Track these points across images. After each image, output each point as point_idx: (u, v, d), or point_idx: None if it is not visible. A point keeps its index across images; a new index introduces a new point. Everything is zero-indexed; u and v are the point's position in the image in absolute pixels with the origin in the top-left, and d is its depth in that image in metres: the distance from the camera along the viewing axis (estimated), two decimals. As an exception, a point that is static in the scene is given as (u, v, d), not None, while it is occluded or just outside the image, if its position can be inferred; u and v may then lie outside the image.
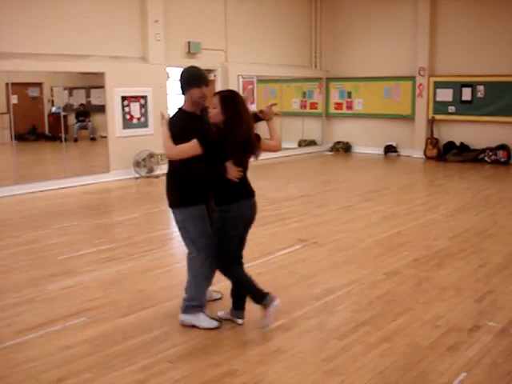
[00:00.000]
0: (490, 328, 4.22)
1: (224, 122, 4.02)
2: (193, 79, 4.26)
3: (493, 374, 3.59)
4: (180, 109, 4.33)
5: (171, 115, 4.33)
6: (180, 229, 4.36)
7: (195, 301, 4.31)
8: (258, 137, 4.29)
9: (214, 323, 4.30)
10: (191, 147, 4.00)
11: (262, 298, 4.22)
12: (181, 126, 4.16)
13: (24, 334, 4.20)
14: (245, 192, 4.37)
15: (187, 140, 4.01)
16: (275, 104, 4.60)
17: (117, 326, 4.34)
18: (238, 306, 4.39)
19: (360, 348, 3.92)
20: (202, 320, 4.30)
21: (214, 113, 4.04)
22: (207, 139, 4.04)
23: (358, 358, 3.78)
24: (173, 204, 4.42)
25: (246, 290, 4.33)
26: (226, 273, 4.33)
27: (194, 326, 4.27)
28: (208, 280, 4.41)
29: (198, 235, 4.25)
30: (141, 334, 4.17)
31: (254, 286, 4.28)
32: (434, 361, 3.73)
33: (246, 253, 5.89)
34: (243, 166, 4.24)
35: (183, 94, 4.32)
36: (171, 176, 4.43)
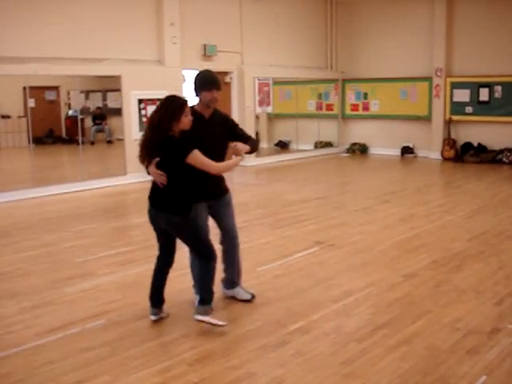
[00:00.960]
0: (510, 331, 4.18)
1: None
2: (205, 83, 4.46)
3: (514, 377, 3.55)
4: (192, 107, 4.41)
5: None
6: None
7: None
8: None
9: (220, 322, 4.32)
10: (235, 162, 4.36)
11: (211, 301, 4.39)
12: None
13: (43, 336, 4.22)
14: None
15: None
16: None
17: (135, 328, 4.35)
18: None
19: (379, 351, 3.89)
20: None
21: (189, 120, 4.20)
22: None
23: (377, 361, 3.76)
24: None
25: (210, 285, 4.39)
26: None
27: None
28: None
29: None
30: (159, 336, 4.18)
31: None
32: (454, 364, 3.70)
33: (264, 255, 5.91)
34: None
35: (196, 95, 4.53)
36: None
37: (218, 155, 4.40)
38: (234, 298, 4.89)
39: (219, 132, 4.54)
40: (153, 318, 4.48)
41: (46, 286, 5.36)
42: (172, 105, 4.20)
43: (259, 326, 4.35)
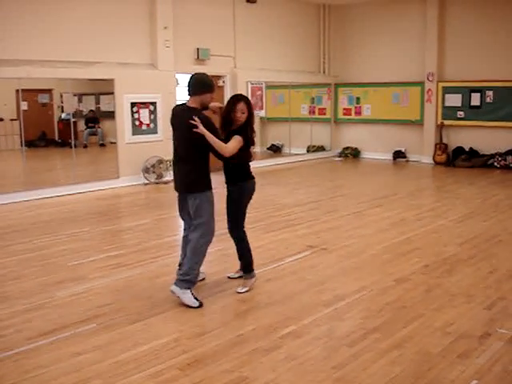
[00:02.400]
0: (501, 335, 4.20)
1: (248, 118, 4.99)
2: (207, 85, 4.92)
3: (504, 381, 3.57)
4: (195, 108, 4.89)
5: (196, 116, 4.76)
6: (196, 211, 4.90)
7: (188, 276, 4.84)
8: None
9: (196, 303, 4.79)
10: (239, 142, 4.89)
11: (252, 268, 5.27)
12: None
13: (34, 340, 4.21)
14: (251, 174, 5.23)
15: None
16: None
17: (126, 332, 4.35)
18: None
19: (370, 355, 3.90)
20: (187, 297, 4.81)
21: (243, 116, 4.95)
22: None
23: (368, 365, 3.77)
24: (195, 189, 4.93)
25: (248, 255, 5.27)
26: (240, 238, 5.24)
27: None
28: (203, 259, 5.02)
29: (211, 217, 4.94)
30: (150, 340, 4.18)
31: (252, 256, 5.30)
32: (445, 368, 3.71)
33: (256, 259, 5.91)
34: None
35: (194, 95, 4.91)
36: (193, 163, 4.95)
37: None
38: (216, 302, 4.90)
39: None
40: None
41: (37, 289, 5.35)
42: None
43: (251, 330, 4.36)
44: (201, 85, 4.91)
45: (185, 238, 5.20)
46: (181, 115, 4.96)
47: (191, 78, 4.97)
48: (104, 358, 3.90)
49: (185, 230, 5.25)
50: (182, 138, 4.99)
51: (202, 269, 5.17)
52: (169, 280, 5.57)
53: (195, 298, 4.83)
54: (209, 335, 4.27)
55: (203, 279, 5.45)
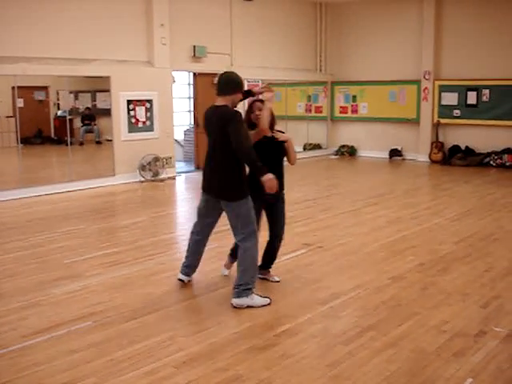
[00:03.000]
0: (496, 333, 4.21)
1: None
2: (240, 85, 4.79)
3: (499, 379, 3.58)
4: (234, 109, 4.75)
5: (238, 112, 4.70)
6: (238, 219, 4.73)
7: (249, 285, 4.75)
8: None
9: (267, 300, 4.82)
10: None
11: None
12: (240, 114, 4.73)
13: (29, 338, 4.20)
14: None
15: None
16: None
17: (122, 330, 4.34)
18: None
19: (365, 353, 3.91)
20: (258, 300, 4.77)
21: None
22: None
23: (364, 363, 3.77)
24: (235, 197, 4.72)
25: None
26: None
27: (248, 307, 4.72)
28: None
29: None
30: (146, 338, 4.17)
31: None
32: (440, 366, 3.72)
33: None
34: None
35: (225, 95, 4.72)
36: (232, 170, 4.72)
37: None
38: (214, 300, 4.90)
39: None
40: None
41: (33, 287, 5.34)
42: None
43: (246, 328, 4.36)
44: (233, 84, 4.74)
45: (199, 241, 5.16)
46: (212, 116, 4.78)
47: (221, 77, 4.80)
48: (99, 356, 3.90)
49: (194, 233, 5.16)
50: (219, 141, 4.70)
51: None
52: (165, 277, 5.59)
53: (262, 296, 4.84)
54: (204, 333, 4.27)
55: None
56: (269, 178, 4.58)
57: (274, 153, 5.24)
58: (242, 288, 4.71)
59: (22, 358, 3.89)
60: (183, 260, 5.32)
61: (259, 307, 4.72)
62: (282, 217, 5.34)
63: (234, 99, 4.76)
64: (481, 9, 13.48)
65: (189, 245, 5.24)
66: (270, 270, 5.46)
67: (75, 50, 10.52)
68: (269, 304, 4.79)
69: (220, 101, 4.74)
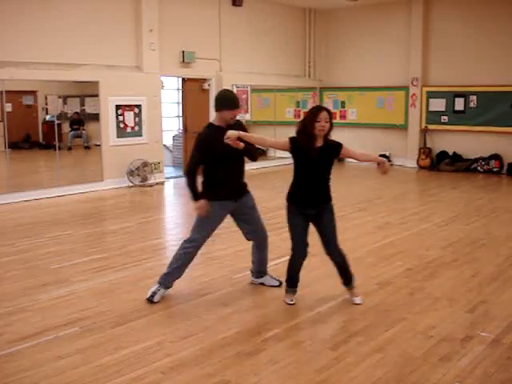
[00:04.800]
0: (483, 338, 4.23)
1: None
2: (226, 102, 4.89)
3: (485, 384, 3.60)
4: (210, 123, 5.02)
5: (200, 135, 4.94)
6: None
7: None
8: None
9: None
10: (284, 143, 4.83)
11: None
12: (204, 137, 4.89)
13: (16, 343, 4.18)
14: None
15: (206, 149, 4.84)
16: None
17: (109, 336, 4.33)
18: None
19: (352, 359, 3.92)
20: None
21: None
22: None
23: (351, 368, 3.78)
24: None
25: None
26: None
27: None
28: None
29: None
30: (133, 344, 4.16)
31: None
32: (427, 371, 3.73)
33: (239, 263, 5.92)
34: None
35: (216, 111, 4.96)
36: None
37: (240, 158, 5.04)
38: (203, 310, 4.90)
39: None
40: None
41: (19, 292, 5.31)
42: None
43: (234, 333, 4.36)
44: (220, 102, 4.90)
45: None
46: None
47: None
48: (86, 362, 3.88)
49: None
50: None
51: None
52: (152, 283, 5.55)
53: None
54: (192, 338, 4.26)
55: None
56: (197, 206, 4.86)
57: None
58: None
59: (9, 364, 3.86)
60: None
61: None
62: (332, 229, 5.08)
63: (223, 116, 4.89)
64: (468, 16, 13.59)
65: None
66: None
67: (64, 55, 10.49)
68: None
69: (215, 119, 5.01)
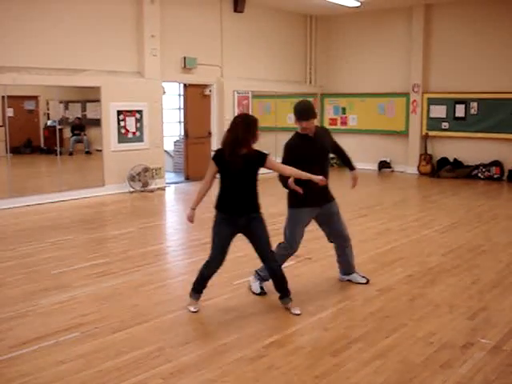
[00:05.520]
0: (483, 345, 4.24)
1: None
2: (296, 114, 5.19)
3: (485, 391, 3.60)
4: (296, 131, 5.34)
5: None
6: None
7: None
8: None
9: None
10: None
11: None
12: (290, 144, 5.32)
13: (17, 348, 4.19)
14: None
15: (291, 155, 5.21)
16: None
17: (110, 341, 4.33)
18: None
19: (353, 365, 3.92)
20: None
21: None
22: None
23: (351, 374, 3.78)
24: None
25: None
26: None
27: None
28: None
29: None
30: (134, 349, 4.17)
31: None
32: (427, 378, 3.74)
33: (239, 268, 5.92)
34: None
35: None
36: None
37: (323, 165, 5.28)
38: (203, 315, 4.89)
39: (323, 145, 5.34)
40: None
41: (20, 297, 5.32)
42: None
43: (235, 339, 4.36)
44: (293, 112, 5.24)
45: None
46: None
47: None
48: (87, 367, 3.89)
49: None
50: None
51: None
52: (153, 288, 5.58)
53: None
54: (192, 344, 4.27)
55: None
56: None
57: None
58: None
59: (10, 369, 3.87)
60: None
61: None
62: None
63: (299, 126, 5.25)
64: (469, 23, 13.62)
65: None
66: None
67: (65, 60, 10.52)
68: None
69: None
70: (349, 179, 5.77)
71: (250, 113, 14.19)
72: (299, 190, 4.85)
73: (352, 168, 5.74)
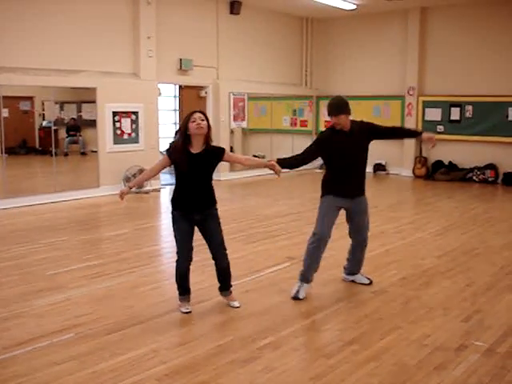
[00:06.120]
0: (477, 347, 4.25)
1: None
2: (327, 109, 5.37)
3: (479, 393, 3.61)
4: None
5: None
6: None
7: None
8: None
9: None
10: None
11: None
12: (320, 136, 5.53)
13: (11, 349, 4.18)
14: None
15: (318, 145, 5.41)
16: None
17: (104, 342, 4.33)
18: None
19: (347, 367, 3.92)
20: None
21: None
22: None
23: (346, 376, 3.79)
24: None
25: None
26: None
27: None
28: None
29: None
30: (128, 350, 4.16)
31: None
32: (421, 380, 3.74)
33: (236, 270, 5.91)
34: None
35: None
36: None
37: (354, 160, 5.36)
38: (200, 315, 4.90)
39: (357, 141, 5.34)
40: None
41: (15, 298, 5.31)
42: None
43: (229, 341, 4.36)
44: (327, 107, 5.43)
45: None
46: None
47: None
48: (81, 368, 3.88)
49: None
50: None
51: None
52: (148, 290, 5.58)
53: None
54: (187, 346, 4.27)
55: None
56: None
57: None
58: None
59: (4, 370, 3.86)
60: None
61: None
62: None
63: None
64: (465, 26, 13.68)
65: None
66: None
67: (61, 61, 10.51)
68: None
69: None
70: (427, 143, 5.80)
71: (246, 115, 14.22)
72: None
73: (419, 134, 5.88)
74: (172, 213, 4.93)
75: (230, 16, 13.71)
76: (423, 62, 14.38)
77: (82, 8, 10.78)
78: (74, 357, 4.06)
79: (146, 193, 11.58)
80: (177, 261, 4.97)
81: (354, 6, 13.80)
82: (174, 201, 4.90)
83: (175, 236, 4.92)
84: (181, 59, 12.52)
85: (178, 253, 4.95)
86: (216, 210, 4.95)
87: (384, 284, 5.78)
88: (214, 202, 4.95)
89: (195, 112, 4.76)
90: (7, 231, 8.17)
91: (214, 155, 4.81)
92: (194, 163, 4.72)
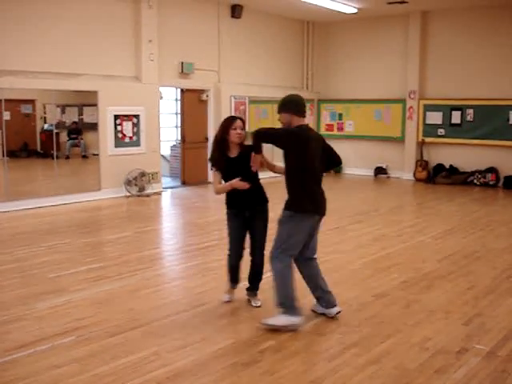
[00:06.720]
0: (478, 351, 4.25)
1: None
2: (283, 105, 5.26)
3: (480, 397, 3.61)
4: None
5: None
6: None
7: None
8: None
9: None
10: None
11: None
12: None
13: (12, 352, 4.18)
14: None
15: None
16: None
17: (105, 345, 4.33)
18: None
19: (348, 370, 3.93)
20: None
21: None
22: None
23: (346, 380, 3.79)
24: None
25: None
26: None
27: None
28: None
29: None
30: (129, 353, 4.17)
31: None
32: (422, 383, 3.74)
33: (236, 273, 5.88)
34: None
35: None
36: None
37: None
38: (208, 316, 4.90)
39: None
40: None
41: (16, 301, 5.31)
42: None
43: (230, 344, 4.37)
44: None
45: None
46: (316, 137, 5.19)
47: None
48: (83, 371, 3.89)
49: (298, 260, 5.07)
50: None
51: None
52: (149, 293, 5.58)
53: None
54: (188, 349, 4.27)
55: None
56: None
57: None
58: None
59: (5, 373, 3.86)
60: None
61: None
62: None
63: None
64: (465, 29, 13.69)
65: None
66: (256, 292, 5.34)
67: (63, 65, 10.54)
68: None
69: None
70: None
71: (247, 118, 14.23)
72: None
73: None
74: (226, 212, 5.14)
75: (232, 20, 13.73)
76: (424, 66, 14.39)
77: (83, 11, 10.80)
78: (75, 360, 4.06)
79: (148, 196, 11.58)
80: (228, 255, 5.20)
81: (355, 10, 13.82)
82: (227, 200, 5.11)
83: (228, 233, 5.15)
84: (182, 63, 12.54)
85: (229, 249, 5.16)
86: (266, 207, 5.22)
87: (385, 287, 5.78)
88: (263, 199, 5.19)
89: (236, 119, 4.96)
90: (8, 234, 8.18)
91: (250, 156, 4.90)
92: (233, 166, 4.94)
